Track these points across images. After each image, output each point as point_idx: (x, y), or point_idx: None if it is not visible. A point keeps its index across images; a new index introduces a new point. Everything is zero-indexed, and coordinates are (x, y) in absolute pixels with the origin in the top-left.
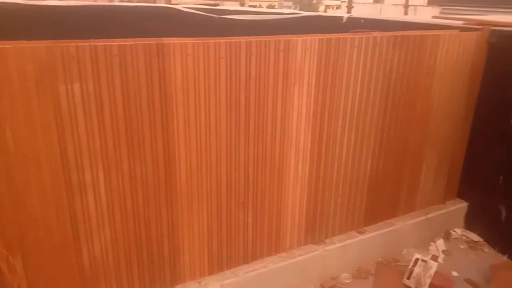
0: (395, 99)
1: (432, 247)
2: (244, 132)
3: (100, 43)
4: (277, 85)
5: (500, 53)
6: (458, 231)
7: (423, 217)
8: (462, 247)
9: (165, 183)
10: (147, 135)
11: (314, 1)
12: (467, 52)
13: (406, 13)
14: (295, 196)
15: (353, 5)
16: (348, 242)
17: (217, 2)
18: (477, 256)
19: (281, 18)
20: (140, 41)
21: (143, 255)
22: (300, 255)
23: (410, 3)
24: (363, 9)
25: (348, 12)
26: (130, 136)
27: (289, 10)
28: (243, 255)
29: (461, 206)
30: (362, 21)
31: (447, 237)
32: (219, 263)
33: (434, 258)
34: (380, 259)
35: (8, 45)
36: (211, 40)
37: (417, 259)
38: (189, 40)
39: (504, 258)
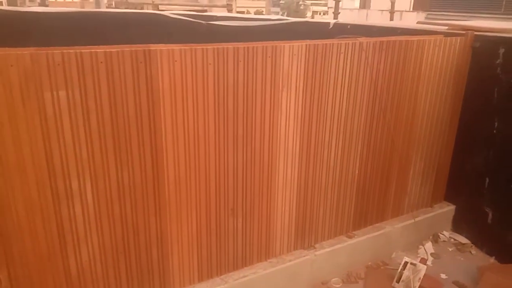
0: (381, 103)
1: (421, 250)
2: (232, 137)
3: (86, 50)
4: (265, 91)
5: (484, 57)
6: (446, 234)
7: (412, 221)
8: (450, 249)
9: (153, 190)
10: (135, 142)
11: (302, 7)
12: (452, 57)
13: (392, 19)
14: (284, 201)
15: (339, 11)
16: (337, 246)
17: (205, 8)
18: (465, 258)
19: (268, 24)
20: (126, 48)
21: (131, 263)
22: (290, 260)
23: (395, 9)
24: (350, 15)
25: (335, 18)
26: (117, 143)
27: (276, 16)
28: (233, 261)
29: (448, 209)
30: (348, 27)
31: (435, 240)
32: (209, 269)
33: (423, 261)
34: (369, 263)
35: None
36: (198, 46)
37: (406, 263)
38: (176, 47)
39: (491, 260)
